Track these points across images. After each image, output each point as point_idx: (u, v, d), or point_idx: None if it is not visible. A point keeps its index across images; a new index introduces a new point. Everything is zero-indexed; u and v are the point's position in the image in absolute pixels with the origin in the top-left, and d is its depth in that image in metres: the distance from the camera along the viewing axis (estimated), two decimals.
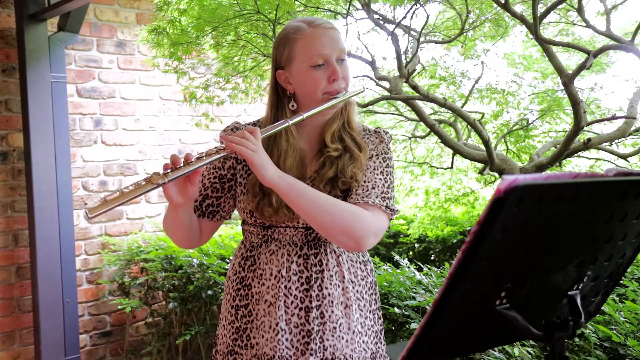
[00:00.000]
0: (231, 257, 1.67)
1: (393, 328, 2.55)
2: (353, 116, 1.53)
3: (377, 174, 1.46)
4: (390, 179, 1.48)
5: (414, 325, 2.32)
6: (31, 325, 3.72)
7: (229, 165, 1.54)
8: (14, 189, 3.72)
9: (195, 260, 3.46)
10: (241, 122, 1.59)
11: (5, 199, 3.70)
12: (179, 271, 3.57)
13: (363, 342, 1.50)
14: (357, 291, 1.51)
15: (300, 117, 1.42)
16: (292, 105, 1.48)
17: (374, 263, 3.05)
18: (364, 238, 1.36)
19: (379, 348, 1.54)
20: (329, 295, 1.46)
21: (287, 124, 1.41)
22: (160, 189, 1.32)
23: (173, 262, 3.63)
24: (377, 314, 1.57)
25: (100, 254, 4.03)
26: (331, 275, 1.47)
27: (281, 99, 1.50)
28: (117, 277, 3.90)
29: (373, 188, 1.43)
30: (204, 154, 1.33)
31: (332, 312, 1.46)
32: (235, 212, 1.60)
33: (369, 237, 1.37)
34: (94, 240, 4.04)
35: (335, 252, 1.49)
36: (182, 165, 1.31)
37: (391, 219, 1.47)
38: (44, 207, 3.55)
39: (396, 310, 2.40)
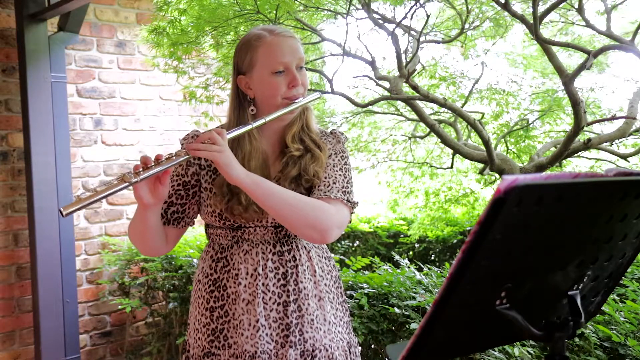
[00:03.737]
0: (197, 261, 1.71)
1: (393, 328, 2.54)
2: (311, 119, 1.60)
3: (337, 171, 1.54)
4: (349, 175, 1.57)
5: (414, 326, 2.32)
6: (31, 325, 3.72)
7: (192, 172, 1.57)
8: (14, 189, 3.72)
9: (195, 260, 3.46)
10: (200, 131, 1.63)
11: (5, 199, 3.70)
12: (179, 271, 3.57)
13: (338, 332, 1.57)
14: (326, 284, 1.59)
15: (263, 121, 1.47)
16: (252, 110, 1.53)
17: (374, 263, 3.07)
18: (328, 230, 1.43)
19: (351, 338, 1.62)
20: (305, 288, 1.53)
21: (251, 126, 1.47)
22: (131, 190, 1.36)
23: (173, 262, 3.64)
24: (345, 306, 1.65)
25: (100, 254, 4.03)
26: (304, 270, 1.54)
27: (242, 104, 1.55)
28: (117, 277, 3.90)
29: (334, 183, 1.51)
30: (173, 155, 1.38)
31: (309, 304, 1.52)
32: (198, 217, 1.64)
33: (333, 229, 1.44)
34: (94, 240, 4.04)
35: (305, 247, 1.56)
36: (152, 165, 1.35)
37: (352, 212, 1.54)
38: (44, 207, 3.55)
39: (396, 310, 2.40)
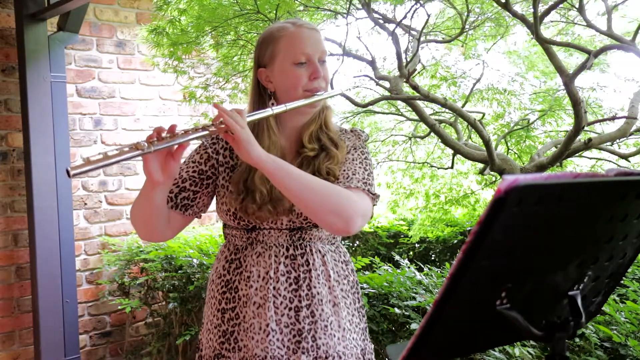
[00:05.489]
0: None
1: (393, 328, 2.54)
2: (330, 119, 1.56)
3: (357, 164, 1.50)
4: (369, 168, 1.51)
5: (414, 326, 2.32)
6: (31, 325, 3.72)
7: (210, 164, 1.54)
8: (14, 189, 3.72)
9: (195, 260, 3.46)
10: None
11: (5, 199, 3.69)
12: (179, 271, 3.57)
13: (353, 339, 1.53)
14: (342, 289, 1.54)
15: (284, 108, 1.43)
16: (272, 103, 1.49)
17: (374, 263, 3.06)
18: (352, 217, 1.35)
19: (366, 345, 1.58)
20: (318, 294, 1.48)
21: (271, 112, 1.42)
22: (141, 166, 1.30)
23: (173, 262, 3.63)
24: (362, 312, 1.60)
25: (100, 254, 4.03)
26: (318, 275, 1.49)
27: (262, 97, 1.52)
28: (117, 277, 3.89)
29: (354, 174, 1.46)
30: (190, 130, 1.31)
31: (322, 310, 1.48)
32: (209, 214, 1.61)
33: (357, 217, 1.36)
34: (94, 240, 4.03)
35: (320, 251, 1.52)
36: (167, 136, 1.29)
37: (374, 204, 1.48)
38: (43, 207, 3.55)
39: (396, 310, 2.40)
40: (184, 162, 1.56)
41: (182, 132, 1.30)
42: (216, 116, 1.33)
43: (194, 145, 1.51)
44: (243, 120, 1.32)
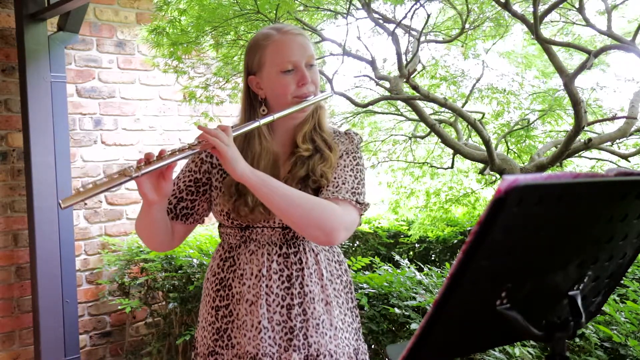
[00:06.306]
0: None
1: (393, 328, 2.54)
2: (324, 119, 1.57)
3: (348, 171, 1.50)
4: (360, 176, 1.52)
5: (414, 326, 2.32)
6: (31, 325, 3.72)
7: (204, 170, 1.57)
8: (14, 189, 3.72)
9: (195, 260, 3.46)
10: None
11: (5, 199, 3.69)
12: (179, 271, 3.57)
13: (345, 338, 1.54)
14: (335, 289, 1.55)
15: (271, 118, 1.46)
16: (263, 110, 1.51)
17: (374, 263, 3.06)
18: (335, 231, 1.38)
19: (359, 345, 1.58)
20: (310, 292, 1.50)
21: (258, 124, 1.45)
22: (131, 189, 1.34)
23: (173, 262, 3.63)
24: (355, 312, 1.61)
25: (100, 254, 4.03)
26: (311, 273, 1.51)
27: (253, 104, 1.54)
28: (117, 277, 3.89)
29: (343, 184, 1.47)
30: (177, 150, 1.36)
31: (314, 308, 1.49)
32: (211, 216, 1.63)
33: (340, 231, 1.40)
34: (94, 240, 4.03)
35: (313, 250, 1.53)
36: (155, 160, 1.33)
37: (362, 214, 1.50)
38: (43, 207, 3.55)
39: (396, 310, 2.40)
40: (181, 170, 1.60)
41: (169, 152, 1.35)
42: (200, 134, 1.37)
43: None
44: (228, 138, 1.35)
